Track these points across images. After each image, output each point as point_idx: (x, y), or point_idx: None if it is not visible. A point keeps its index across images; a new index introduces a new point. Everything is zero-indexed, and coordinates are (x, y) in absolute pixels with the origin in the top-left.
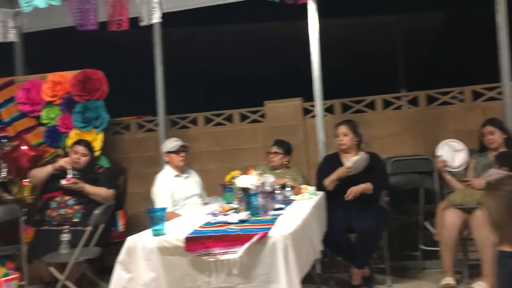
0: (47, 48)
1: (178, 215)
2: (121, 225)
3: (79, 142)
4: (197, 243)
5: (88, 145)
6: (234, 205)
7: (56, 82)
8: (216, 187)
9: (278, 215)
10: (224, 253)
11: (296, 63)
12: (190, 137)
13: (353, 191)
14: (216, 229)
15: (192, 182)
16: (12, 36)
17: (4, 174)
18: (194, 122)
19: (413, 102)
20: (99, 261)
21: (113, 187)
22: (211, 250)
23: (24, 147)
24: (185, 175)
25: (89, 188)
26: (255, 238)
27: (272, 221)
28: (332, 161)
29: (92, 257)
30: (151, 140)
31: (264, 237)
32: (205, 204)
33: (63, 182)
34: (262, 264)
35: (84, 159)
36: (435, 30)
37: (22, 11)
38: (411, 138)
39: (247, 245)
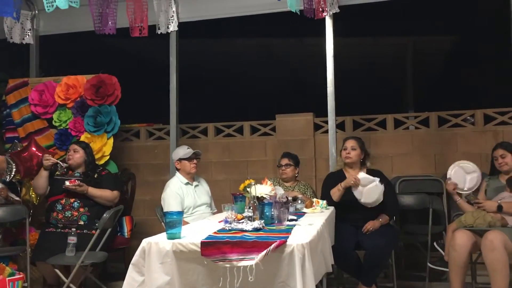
0: (60, 52)
1: (186, 223)
2: (127, 231)
3: (73, 142)
4: (213, 248)
5: (81, 143)
6: (248, 214)
7: (70, 85)
8: (223, 198)
9: (293, 225)
10: (240, 260)
11: (307, 79)
12: (199, 147)
13: (371, 225)
14: (233, 235)
15: (202, 191)
16: (28, 38)
17: (12, 174)
18: (204, 132)
19: (422, 122)
20: (102, 266)
21: (117, 188)
22: (227, 256)
23: (33, 149)
24: (195, 183)
25: (93, 191)
26: (272, 246)
27: (288, 231)
28: (337, 177)
29: (98, 261)
30: (160, 148)
31: (282, 245)
32: (214, 213)
33: (67, 183)
34: (279, 272)
35: (76, 156)
36: (446, 52)
37: (39, 14)
38: (421, 158)
39: (264, 252)
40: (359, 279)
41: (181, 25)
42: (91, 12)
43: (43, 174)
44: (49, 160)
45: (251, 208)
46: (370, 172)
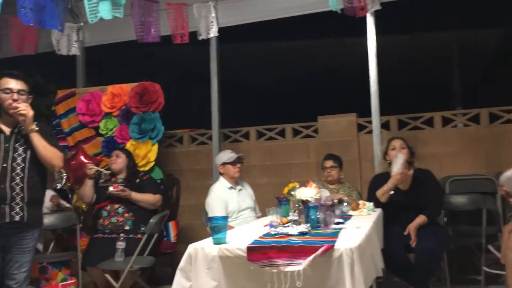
0: (105, 62)
1: (231, 228)
2: (173, 236)
3: (115, 148)
4: (259, 253)
5: (123, 149)
6: (293, 217)
7: (115, 94)
8: (266, 202)
9: (340, 229)
10: (287, 265)
11: (348, 79)
12: (241, 151)
13: (411, 228)
14: (278, 240)
15: (245, 195)
16: (75, 50)
17: (63, 182)
18: (246, 136)
19: (471, 120)
20: (150, 271)
21: (159, 192)
22: (274, 260)
23: (81, 157)
24: (239, 187)
25: (136, 195)
26: (320, 250)
27: (335, 234)
28: (383, 180)
29: (146, 266)
30: (203, 153)
31: (330, 249)
32: (258, 217)
33: (111, 189)
34: (327, 277)
35: (119, 161)
36: (492, 47)
37: (84, 26)
38: (472, 157)
39: (312, 257)
40: (411, 283)
41: (220, 30)
42: (133, 21)
43: (88, 183)
44: (92, 168)
45: (296, 211)
46: (419, 172)
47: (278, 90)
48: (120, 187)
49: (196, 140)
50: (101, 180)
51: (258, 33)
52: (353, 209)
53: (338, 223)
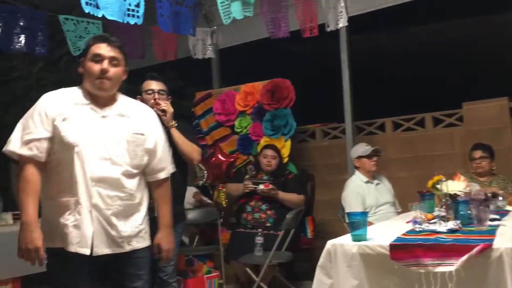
0: (237, 62)
1: (370, 224)
2: (309, 232)
3: (266, 146)
4: (404, 251)
5: (275, 148)
6: (440, 213)
7: (248, 93)
8: (406, 196)
9: (497, 226)
10: (437, 265)
11: (494, 61)
12: (377, 144)
13: None
14: (425, 238)
15: (383, 189)
16: (209, 53)
17: (204, 179)
18: (381, 128)
19: None
20: (288, 266)
21: (302, 192)
22: (421, 260)
23: (219, 155)
24: (376, 181)
25: (283, 195)
26: (475, 250)
27: (491, 232)
28: None
29: (284, 261)
30: (337, 147)
31: (487, 249)
32: (399, 213)
33: (261, 187)
34: (485, 280)
35: (274, 162)
36: None
37: (217, 29)
38: None
39: (465, 257)
40: None
41: (350, 20)
42: (263, 18)
43: (241, 191)
44: (248, 186)
45: (443, 206)
46: None
47: (414, 77)
48: (270, 186)
49: (328, 135)
50: (246, 176)
51: (391, 19)
52: (510, 204)
53: (493, 220)
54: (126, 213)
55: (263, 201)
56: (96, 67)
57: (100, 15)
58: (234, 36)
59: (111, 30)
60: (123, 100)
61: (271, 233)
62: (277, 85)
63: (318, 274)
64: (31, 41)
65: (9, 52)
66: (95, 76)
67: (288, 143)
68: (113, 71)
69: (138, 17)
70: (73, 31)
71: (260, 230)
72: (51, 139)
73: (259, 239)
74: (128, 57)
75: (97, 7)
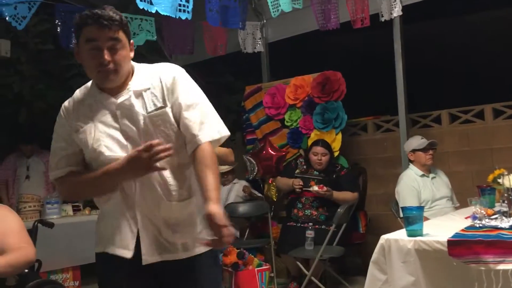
0: (287, 55)
1: (426, 219)
2: (361, 227)
3: (316, 142)
4: (463, 248)
5: (325, 144)
6: (502, 208)
7: (298, 86)
8: (464, 191)
9: None
10: (499, 262)
11: None
12: (433, 137)
13: None
14: (486, 234)
15: (440, 183)
16: (259, 47)
17: (254, 173)
18: (437, 120)
19: None
20: (340, 261)
21: (356, 189)
22: (481, 257)
23: (268, 149)
24: (432, 175)
25: (337, 195)
26: None
27: None
28: None
29: (336, 256)
30: (389, 140)
31: None
32: (456, 208)
33: (316, 188)
34: None
35: (325, 159)
36: None
37: (267, 23)
38: None
39: None
40: None
41: (404, 9)
42: (313, 10)
43: (290, 186)
44: (299, 187)
45: (505, 202)
46: None
47: (472, 67)
48: (325, 188)
49: (381, 128)
50: (297, 171)
51: (446, 6)
52: None
53: None
54: None
55: (314, 197)
56: (93, 61)
57: (153, 11)
58: (283, 29)
59: (163, 27)
60: (138, 73)
61: (322, 228)
62: (327, 78)
63: (372, 269)
64: None
65: (69, 50)
66: (95, 70)
67: (339, 136)
68: (115, 59)
69: (188, 12)
70: None
71: (311, 224)
72: (79, 152)
73: (310, 233)
74: (178, 52)
75: (151, 3)
